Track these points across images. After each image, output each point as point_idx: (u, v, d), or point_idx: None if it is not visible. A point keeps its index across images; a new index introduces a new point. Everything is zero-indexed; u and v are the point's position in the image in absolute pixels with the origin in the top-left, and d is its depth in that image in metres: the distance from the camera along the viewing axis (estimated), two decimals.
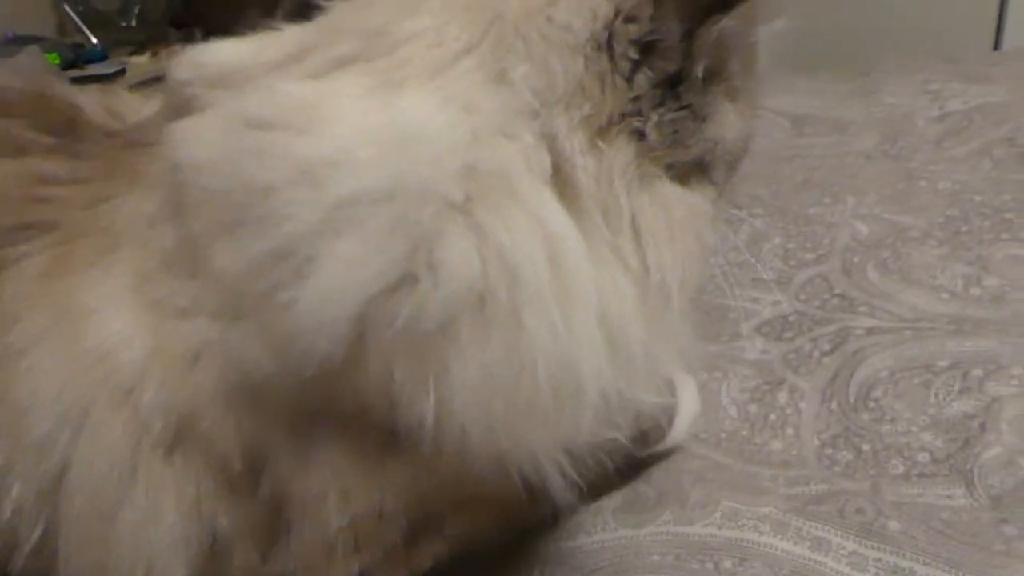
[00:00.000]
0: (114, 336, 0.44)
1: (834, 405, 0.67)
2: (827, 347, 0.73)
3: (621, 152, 0.43)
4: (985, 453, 0.61)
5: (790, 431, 0.66)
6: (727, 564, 0.56)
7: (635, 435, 0.60)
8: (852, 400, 0.67)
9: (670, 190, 0.45)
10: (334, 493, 0.47)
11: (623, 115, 0.43)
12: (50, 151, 0.52)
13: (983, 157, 1.01)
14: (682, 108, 0.44)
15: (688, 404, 0.65)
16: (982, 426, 0.63)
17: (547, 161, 0.42)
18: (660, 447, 0.64)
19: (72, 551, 0.46)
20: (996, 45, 1.82)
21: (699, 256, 0.46)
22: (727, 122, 0.46)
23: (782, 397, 0.69)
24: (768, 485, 0.61)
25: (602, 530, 0.60)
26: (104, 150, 0.53)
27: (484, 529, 0.54)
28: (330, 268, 0.39)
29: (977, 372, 0.67)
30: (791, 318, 0.78)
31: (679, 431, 0.64)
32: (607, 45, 0.42)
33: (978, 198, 0.93)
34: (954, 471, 0.60)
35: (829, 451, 0.63)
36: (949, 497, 0.59)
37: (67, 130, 0.54)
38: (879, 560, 0.55)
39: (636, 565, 0.57)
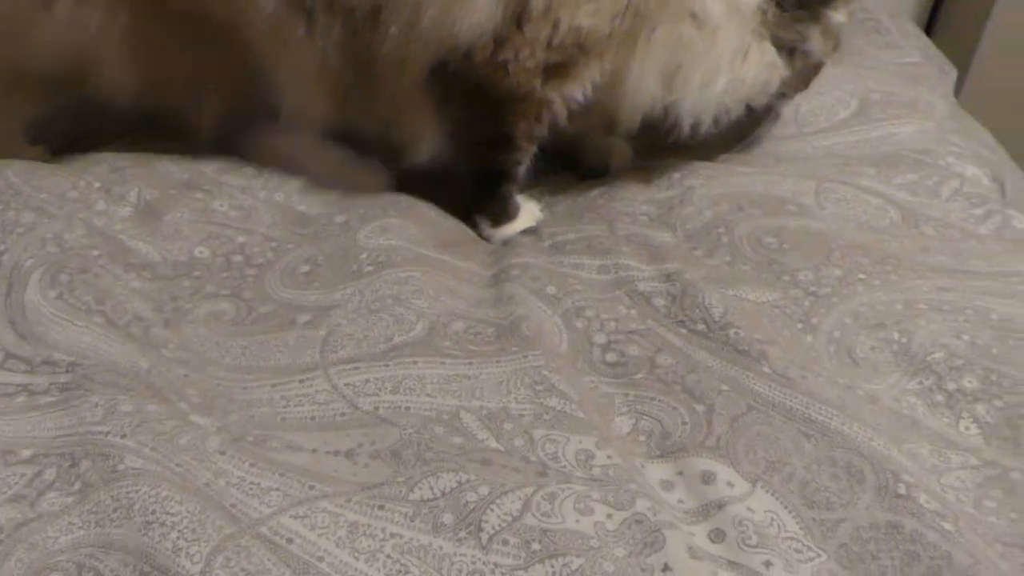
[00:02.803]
0: None
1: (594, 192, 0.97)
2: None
3: (754, 17, 0.85)
4: (683, 211, 0.91)
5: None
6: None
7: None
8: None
9: (767, 47, 0.88)
10: None
11: None
12: None
13: None
14: (792, 7, 0.87)
15: None
16: (681, 201, 0.93)
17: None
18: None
19: None
20: None
21: (763, 85, 0.90)
22: (813, 34, 0.90)
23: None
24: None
25: None
26: None
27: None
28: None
29: (677, 175, 0.98)
30: None
31: None
32: None
33: None
34: (663, 222, 0.90)
35: (578, 224, 0.91)
36: (652, 235, 0.88)
37: None
38: (616, 264, 0.83)
39: None
